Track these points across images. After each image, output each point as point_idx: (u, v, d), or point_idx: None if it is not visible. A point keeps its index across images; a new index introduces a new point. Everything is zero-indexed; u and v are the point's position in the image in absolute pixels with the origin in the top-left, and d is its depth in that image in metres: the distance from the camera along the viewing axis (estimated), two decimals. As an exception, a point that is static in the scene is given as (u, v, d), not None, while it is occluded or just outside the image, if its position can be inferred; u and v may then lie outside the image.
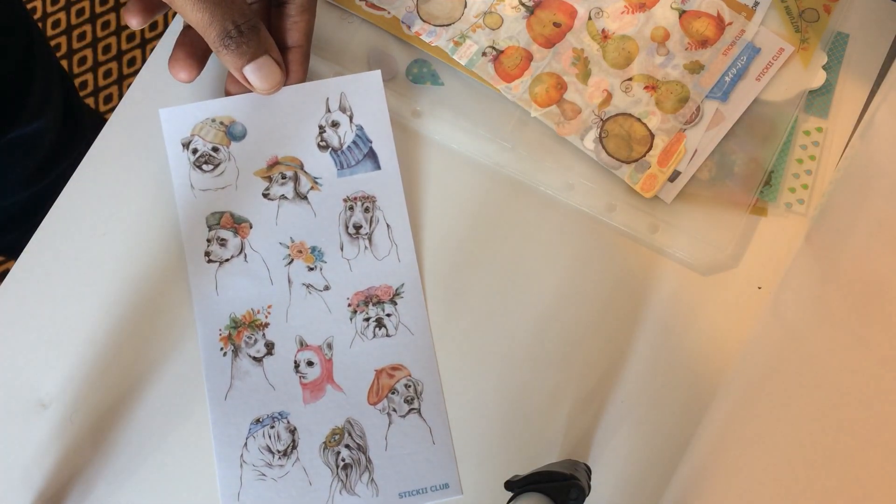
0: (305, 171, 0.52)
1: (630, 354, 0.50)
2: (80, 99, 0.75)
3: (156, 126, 0.55)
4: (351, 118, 0.53)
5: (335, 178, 0.52)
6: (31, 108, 0.61)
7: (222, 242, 0.51)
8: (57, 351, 0.51)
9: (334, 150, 0.52)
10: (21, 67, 0.60)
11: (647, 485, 0.49)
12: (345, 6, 0.55)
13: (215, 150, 0.52)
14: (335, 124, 0.53)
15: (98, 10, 1.30)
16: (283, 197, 0.52)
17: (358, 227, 0.52)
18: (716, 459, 0.47)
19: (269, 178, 0.52)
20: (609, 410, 0.50)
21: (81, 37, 1.28)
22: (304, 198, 0.52)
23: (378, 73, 0.53)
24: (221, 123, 0.52)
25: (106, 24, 1.29)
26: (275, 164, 0.52)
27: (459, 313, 0.51)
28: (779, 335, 0.48)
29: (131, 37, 1.28)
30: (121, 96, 0.55)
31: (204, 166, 0.52)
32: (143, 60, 1.26)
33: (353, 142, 0.52)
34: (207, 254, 0.51)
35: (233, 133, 0.52)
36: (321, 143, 0.52)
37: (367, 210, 0.52)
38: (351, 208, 0.52)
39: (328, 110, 0.53)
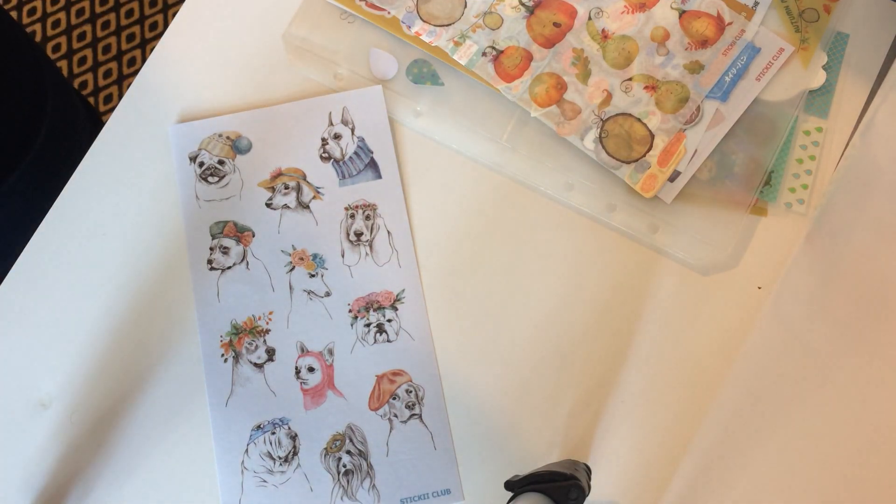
0: (308, 182, 0.53)
1: (630, 354, 0.50)
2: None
3: (155, 126, 0.55)
4: (353, 130, 0.53)
5: (337, 188, 0.53)
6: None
7: (225, 250, 0.52)
8: (57, 351, 0.51)
9: (336, 161, 0.53)
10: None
11: (647, 485, 0.49)
12: (345, 6, 0.55)
13: (221, 162, 0.53)
14: (337, 136, 0.53)
15: (98, 10, 1.30)
16: (285, 206, 0.52)
17: (359, 234, 0.52)
18: (716, 459, 0.47)
19: (273, 189, 0.53)
20: (609, 410, 0.50)
21: (81, 37, 1.28)
22: (307, 207, 0.52)
23: (379, 87, 0.54)
24: (228, 138, 0.53)
25: (106, 24, 1.29)
26: (278, 175, 0.53)
27: (460, 316, 0.51)
28: (779, 335, 0.48)
29: (131, 37, 1.28)
30: (121, 96, 0.55)
31: (209, 178, 0.53)
32: (143, 60, 1.26)
33: (355, 152, 0.53)
34: (210, 261, 0.52)
35: (238, 147, 0.53)
36: (323, 155, 0.53)
37: (367, 217, 0.52)
38: (352, 216, 0.52)
39: (331, 123, 0.54)
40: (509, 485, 0.42)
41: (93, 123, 0.72)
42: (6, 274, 0.52)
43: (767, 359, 0.48)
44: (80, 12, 1.29)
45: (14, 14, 1.31)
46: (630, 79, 0.54)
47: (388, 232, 0.52)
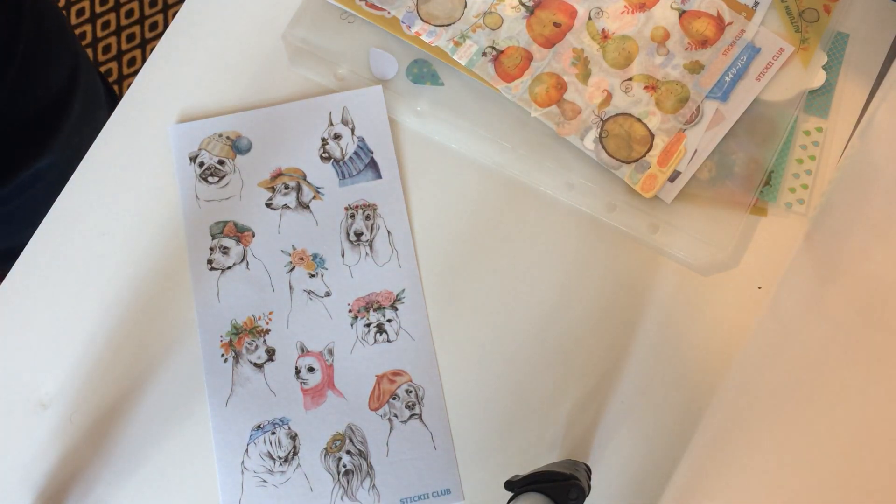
0: (308, 182, 0.53)
1: (630, 354, 0.50)
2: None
3: (155, 126, 0.55)
4: (353, 130, 0.54)
5: (337, 188, 0.53)
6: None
7: (225, 250, 0.52)
8: (57, 351, 0.51)
9: (336, 161, 0.53)
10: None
11: (647, 485, 0.49)
12: (345, 6, 0.55)
13: (221, 163, 0.53)
14: (337, 136, 0.53)
15: (98, 10, 1.30)
16: (285, 206, 0.52)
17: (359, 234, 0.52)
18: (715, 459, 0.47)
19: (273, 189, 0.53)
20: (609, 410, 0.50)
21: (81, 37, 1.28)
22: (307, 207, 0.53)
23: (379, 87, 0.54)
24: (228, 138, 0.54)
25: (106, 24, 1.29)
26: (278, 175, 0.53)
27: (460, 316, 0.51)
28: (778, 335, 0.48)
29: (131, 37, 1.28)
30: (121, 96, 0.55)
31: (209, 178, 0.53)
32: (143, 60, 1.26)
33: (355, 152, 0.53)
34: (210, 261, 0.52)
35: (238, 147, 0.53)
36: (323, 155, 0.53)
37: (367, 217, 0.52)
38: (352, 216, 0.52)
39: (331, 123, 0.54)
40: (509, 485, 0.42)
41: (112, 101, 0.73)
42: None
43: (767, 359, 0.48)
44: (80, 12, 1.29)
45: (14, 14, 1.30)
46: (630, 79, 0.54)
47: (388, 232, 0.52)
